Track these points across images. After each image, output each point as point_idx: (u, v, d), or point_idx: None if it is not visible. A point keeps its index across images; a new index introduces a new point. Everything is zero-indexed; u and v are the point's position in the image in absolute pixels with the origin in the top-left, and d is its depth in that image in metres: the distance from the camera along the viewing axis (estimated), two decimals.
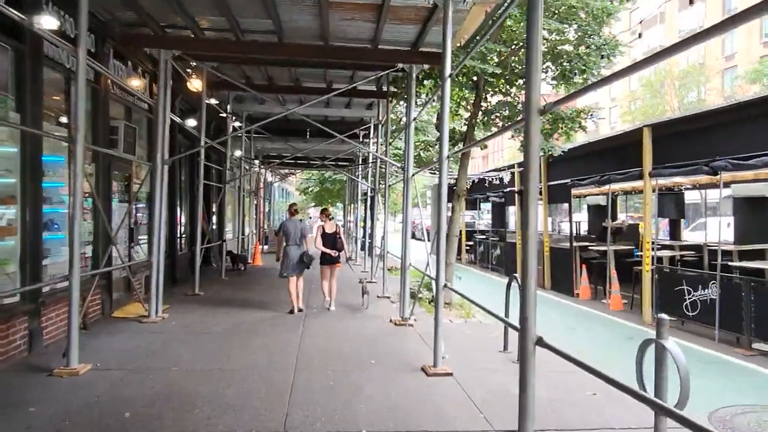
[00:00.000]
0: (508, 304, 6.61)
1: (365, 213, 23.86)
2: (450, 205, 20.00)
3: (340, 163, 22.72)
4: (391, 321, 8.29)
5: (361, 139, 18.85)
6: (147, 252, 10.01)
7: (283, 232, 8.89)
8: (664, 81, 36.81)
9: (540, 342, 3.19)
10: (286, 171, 31.27)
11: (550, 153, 9.64)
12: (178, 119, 10.42)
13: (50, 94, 6.76)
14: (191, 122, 11.13)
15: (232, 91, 13.19)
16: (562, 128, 10.06)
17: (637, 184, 10.87)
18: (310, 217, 44.87)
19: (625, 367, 4.32)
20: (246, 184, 20.04)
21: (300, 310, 8.66)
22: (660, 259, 9.55)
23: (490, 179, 15.63)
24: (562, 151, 9.64)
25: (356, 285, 10.03)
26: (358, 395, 4.90)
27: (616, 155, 10.59)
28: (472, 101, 10.12)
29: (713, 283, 7.76)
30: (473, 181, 20.19)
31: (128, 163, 8.94)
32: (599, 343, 8.18)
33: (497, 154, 55.33)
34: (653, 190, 9.39)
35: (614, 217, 16.47)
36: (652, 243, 11.21)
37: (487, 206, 25.83)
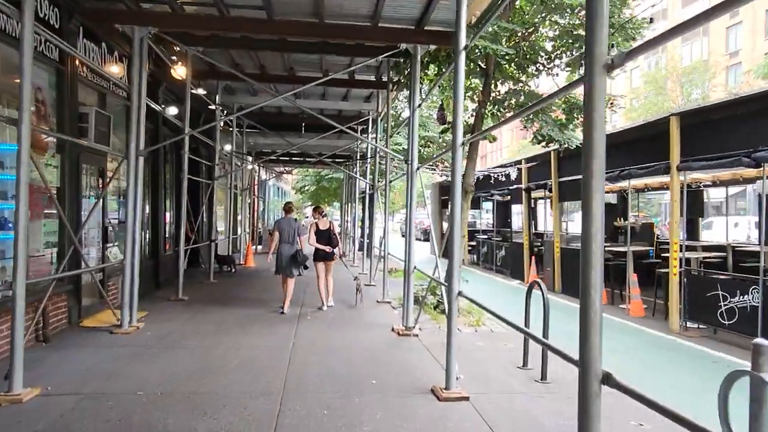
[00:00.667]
0: (528, 315, 5.77)
1: (363, 212, 23.01)
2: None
3: (337, 160, 21.86)
4: (393, 330, 7.44)
5: (359, 134, 18.00)
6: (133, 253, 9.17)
7: (278, 230, 8.72)
8: (668, 77, 36.01)
9: (608, 380, 2.34)
10: (281, 169, 30.36)
11: (565, 146, 8.80)
12: (156, 106, 9.51)
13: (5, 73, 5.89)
14: (172, 110, 10.23)
15: (221, 81, 12.31)
16: (578, 118, 9.23)
17: (662, 179, 10.04)
18: (306, 217, 44.03)
19: (660, 382, 3.46)
20: (238, 182, 19.16)
21: (282, 313, 8.33)
22: (687, 261, 8.71)
23: (495, 176, 14.78)
24: (580, 144, 8.77)
25: (352, 287, 9.72)
26: (358, 428, 4.04)
27: (636, 148, 9.75)
28: (480, 90, 9.28)
29: (755, 289, 6.93)
30: (477, 177, 19.37)
31: (102, 155, 8.06)
32: (627, 355, 7.33)
33: (495, 153, 54.48)
34: (681, 187, 8.54)
35: (625, 216, 15.65)
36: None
37: (486, 205, 24.99)
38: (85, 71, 7.55)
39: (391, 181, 10.55)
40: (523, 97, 9.22)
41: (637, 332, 8.47)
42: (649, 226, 13.75)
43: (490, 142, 10.09)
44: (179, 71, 10.15)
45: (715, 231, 19.08)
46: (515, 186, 14.37)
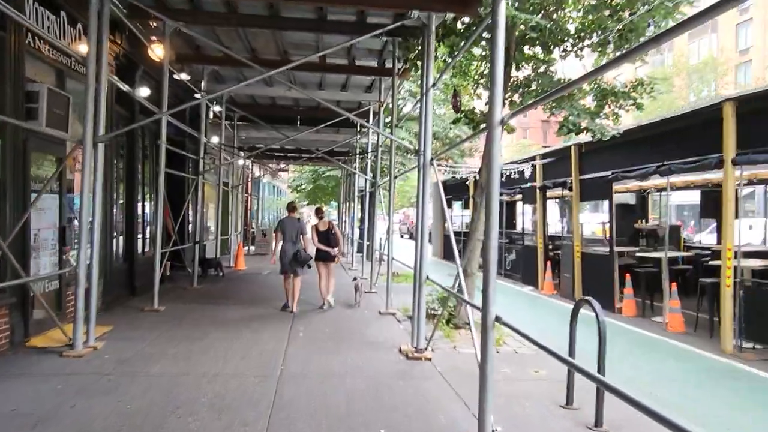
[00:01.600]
0: (573, 341, 4.62)
1: (362, 212, 21.82)
2: (456, 202, 17.82)
3: (334, 157, 20.61)
4: (401, 352, 6.27)
5: (358, 128, 16.83)
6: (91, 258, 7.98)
7: (281, 230, 8.75)
8: (677, 74, 34.95)
9: None
10: (276, 166, 29.14)
11: (598, 136, 7.64)
12: (124, 86, 8.31)
13: None
14: (144, 91, 9.02)
15: (207, 65, 11.12)
16: (611, 106, 8.08)
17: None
18: (306, 221, 42.81)
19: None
20: (230, 178, 17.96)
21: (292, 312, 8.37)
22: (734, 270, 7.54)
23: (507, 173, 13.62)
24: (617, 133, 7.63)
25: (351, 293, 9.51)
26: None
27: (675, 141, 8.60)
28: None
29: None
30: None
31: (59, 143, 6.87)
32: (685, 385, 6.15)
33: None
34: (735, 185, 7.37)
35: (646, 218, 14.53)
36: (706, 249, 9.40)
37: None
38: (37, 43, 6.36)
39: (395, 177, 9.40)
40: (547, 81, 8.04)
41: (683, 354, 7.30)
42: (677, 229, 12.60)
43: (509, 132, 8.90)
44: (158, 51, 8.95)
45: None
46: (528, 184, 13.18)
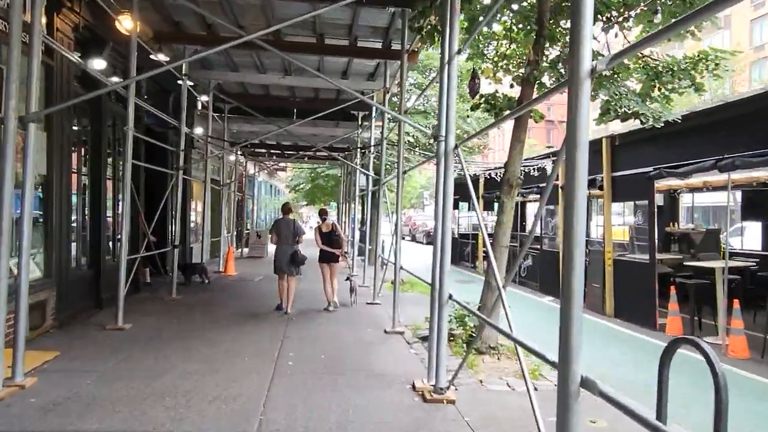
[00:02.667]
0: (663, 398, 3.27)
1: (363, 212, 20.46)
2: (464, 203, 16.25)
3: (333, 154, 19.27)
4: (415, 389, 4.96)
5: (360, 123, 15.50)
6: (44, 265, 6.68)
7: (276, 231, 8.79)
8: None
9: None
10: (271, 163, 27.79)
11: (652, 123, 6.31)
12: (71, 55, 6.95)
13: None
14: (99, 63, 7.68)
15: (189, 45, 9.78)
16: (661, 88, 6.77)
17: (757, 174, 7.62)
18: (305, 222, 41.63)
19: None
20: (222, 176, 16.65)
21: (286, 313, 8.35)
22: None
23: (526, 171, 12.29)
24: (677, 119, 6.32)
25: (346, 298, 9.39)
26: None
27: (736, 129, 7.28)
28: (530, 46, 6.80)
29: None
30: (490, 175, 16.92)
31: None
32: None
33: (498, 153, 51.91)
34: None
35: (676, 220, 13.20)
36: (751, 257, 8.17)
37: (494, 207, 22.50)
38: None
39: (405, 171, 8.09)
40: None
41: (754, 387, 5.98)
42: (715, 234, 11.27)
43: (536, 122, 7.60)
44: (126, 24, 7.62)
45: (747, 238, 16.56)
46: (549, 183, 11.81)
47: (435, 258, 5.00)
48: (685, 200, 14.27)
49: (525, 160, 13.16)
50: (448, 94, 4.87)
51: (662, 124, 6.39)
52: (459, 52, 4.91)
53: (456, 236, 19.42)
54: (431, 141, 20.55)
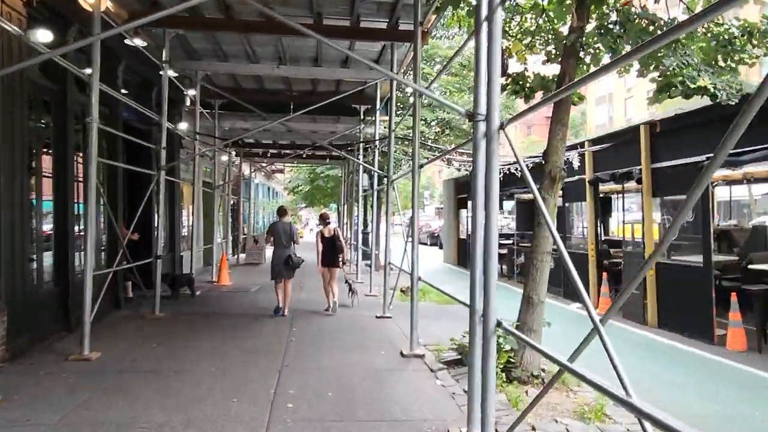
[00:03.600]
0: None
1: (365, 214, 19.33)
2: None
3: (334, 151, 18.11)
4: None
5: (362, 117, 14.34)
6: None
7: (272, 234, 8.84)
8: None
9: None
10: (268, 164, 26.60)
11: (727, 100, 5.17)
12: (9, 26, 5.75)
13: None
14: (44, 34, 6.44)
15: (169, 29, 8.62)
16: (728, 58, 5.63)
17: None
18: (304, 225, 40.52)
19: None
20: (213, 178, 15.50)
21: (283, 315, 8.44)
22: None
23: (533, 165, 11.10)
24: (744, 94, 5.17)
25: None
26: None
27: None
28: (572, 14, 5.65)
29: None
30: (505, 172, 15.70)
31: None
32: None
33: (500, 150, 50.62)
34: None
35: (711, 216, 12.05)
36: None
37: (506, 206, 21.32)
38: None
39: (422, 165, 6.92)
40: (637, 30, 5.57)
41: None
42: (762, 231, 10.12)
43: (574, 104, 6.46)
44: None
45: None
46: (576, 177, 10.65)
47: (474, 271, 3.83)
48: (721, 194, 13.15)
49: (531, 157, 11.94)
50: (489, 59, 3.72)
51: (737, 101, 5.23)
52: (502, 2, 3.75)
53: (465, 237, 18.22)
54: (439, 135, 19.37)
